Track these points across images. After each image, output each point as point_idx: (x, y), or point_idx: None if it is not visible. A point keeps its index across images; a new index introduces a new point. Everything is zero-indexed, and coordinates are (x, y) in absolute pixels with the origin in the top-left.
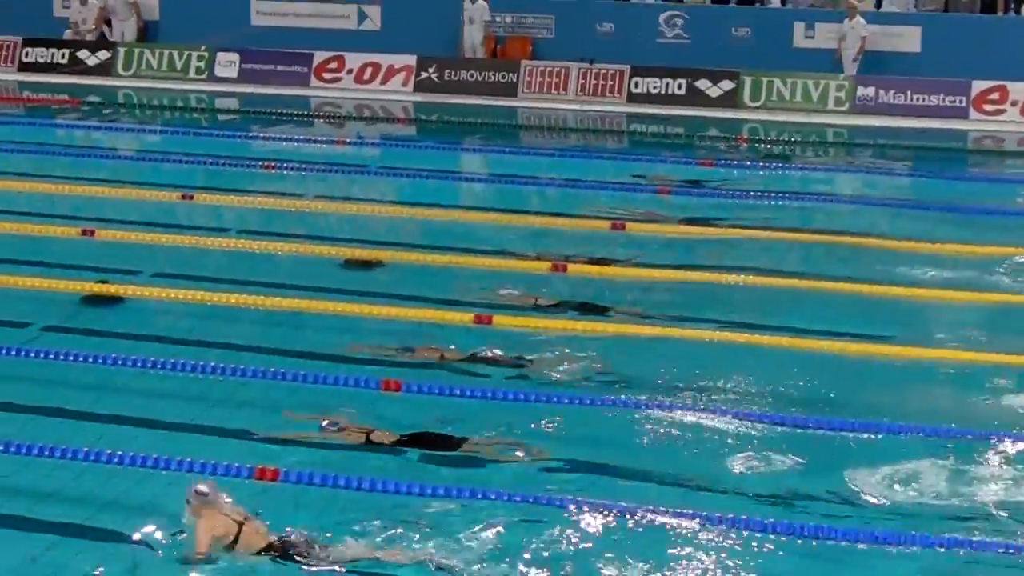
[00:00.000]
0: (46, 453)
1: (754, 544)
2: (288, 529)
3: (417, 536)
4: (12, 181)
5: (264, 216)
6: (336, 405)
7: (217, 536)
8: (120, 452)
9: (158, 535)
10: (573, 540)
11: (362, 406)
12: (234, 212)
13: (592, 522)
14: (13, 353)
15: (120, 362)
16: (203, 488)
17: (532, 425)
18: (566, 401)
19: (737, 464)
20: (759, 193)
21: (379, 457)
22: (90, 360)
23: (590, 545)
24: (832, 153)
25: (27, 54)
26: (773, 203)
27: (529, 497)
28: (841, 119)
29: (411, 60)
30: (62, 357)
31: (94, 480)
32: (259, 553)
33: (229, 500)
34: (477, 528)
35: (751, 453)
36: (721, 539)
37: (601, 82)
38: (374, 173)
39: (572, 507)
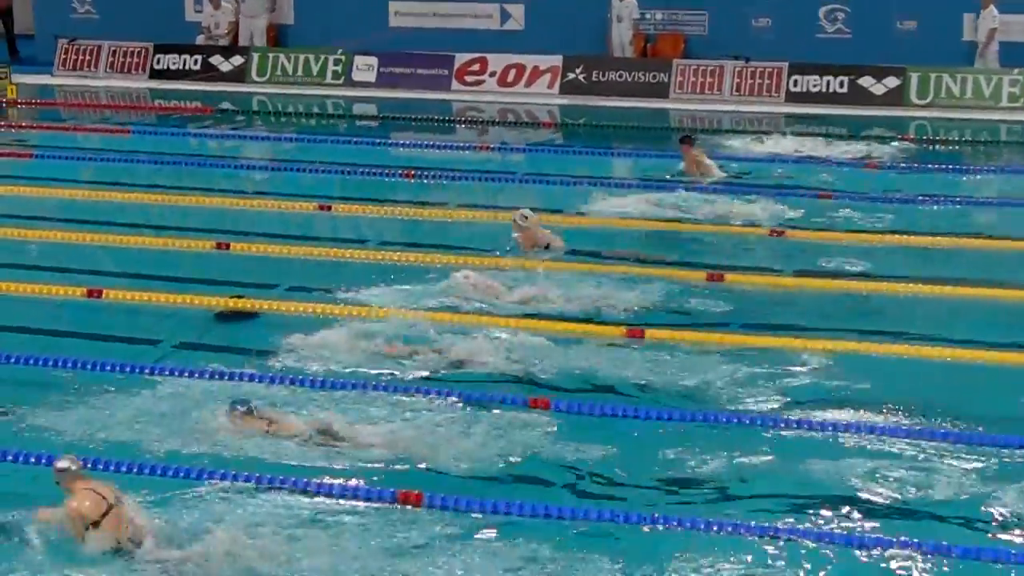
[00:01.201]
0: (181, 475)
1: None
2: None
3: None
4: (144, 193)
5: (405, 227)
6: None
7: (84, 513)
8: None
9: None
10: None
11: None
12: (374, 223)
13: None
14: (147, 372)
15: (256, 380)
16: (63, 464)
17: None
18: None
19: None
20: (928, 197)
21: None
22: (224, 378)
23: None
24: (1008, 153)
25: (158, 61)
26: (943, 207)
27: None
28: (1015, 115)
29: (557, 61)
30: (196, 375)
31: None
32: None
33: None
34: None
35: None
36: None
37: (758, 81)
38: (520, 180)
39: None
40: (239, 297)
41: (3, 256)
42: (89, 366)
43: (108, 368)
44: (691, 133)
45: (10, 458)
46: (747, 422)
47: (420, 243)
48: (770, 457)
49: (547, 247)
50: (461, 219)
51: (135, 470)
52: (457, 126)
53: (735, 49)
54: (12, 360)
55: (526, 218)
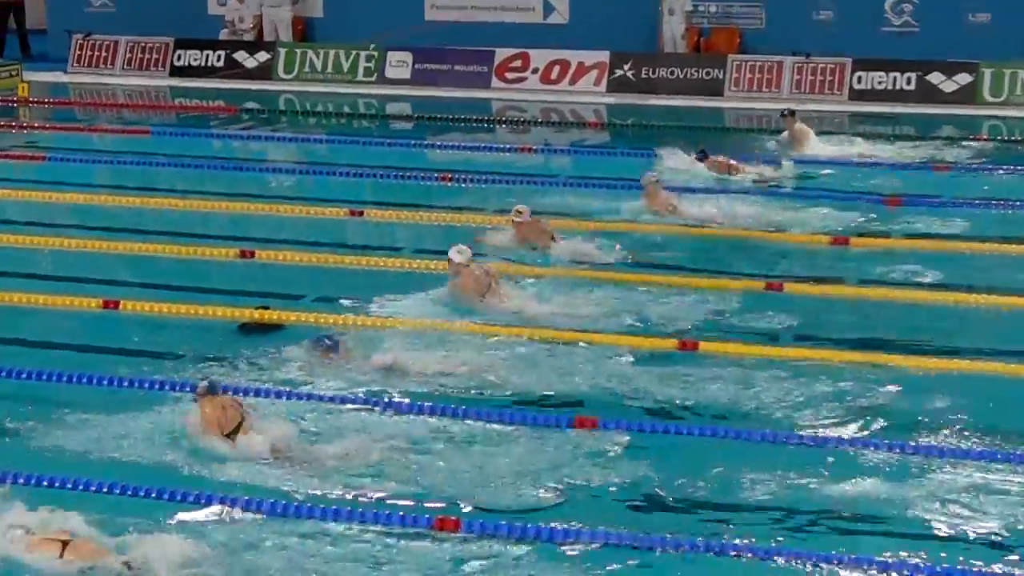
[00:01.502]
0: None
1: None
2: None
3: None
4: (164, 198)
5: (441, 233)
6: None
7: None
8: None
9: None
10: None
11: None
12: (408, 229)
13: None
14: (167, 388)
15: (283, 396)
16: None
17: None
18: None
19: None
20: (1002, 202)
21: None
22: (250, 394)
23: None
24: None
25: (179, 57)
26: (1018, 212)
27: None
28: None
29: (604, 57)
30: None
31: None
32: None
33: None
34: None
35: None
36: None
37: (819, 78)
38: (564, 184)
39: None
40: (264, 308)
41: (14, 265)
42: (106, 382)
43: (126, 384)
44: (705, 149)
45: (20, 480)
46: (808, 442)
47: None
48: (830, 480)
49: (552, 238)
50: (501, 226)
51: (157, 494)
52: (497, 126)
53: (794, 44)
54: (24, 375)
55: (521, 212)
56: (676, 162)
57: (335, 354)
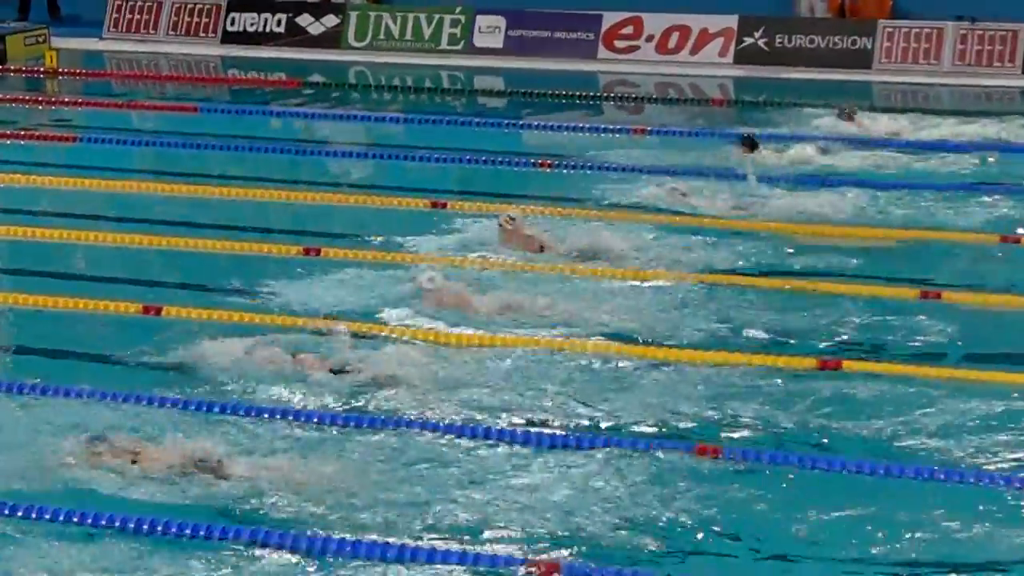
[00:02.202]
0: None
1: None
2: None
3: None
4: (215, 187)
5: (539, 227)
6: None
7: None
8: None
9: None
10: None
11: None
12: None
13: None
14: (215, 410)
15: (374, 424)
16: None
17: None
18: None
19: None
20: None
21: None
22: (313, 421)
23: None
24: None
25: (232, 21)
26: None
27: None
28: None
29: (731, 22)
30: (277, 415)
31: None
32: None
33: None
34: None
35: None
36: None
37: (987, 47)
38: (682, 173)
39: None
40: (332, 318)
41: (42, 263)
42: (145, 401)
43: (168, 404)
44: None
45: (47, 515)
46: (976, 480)
47: (561, 250)
48: (1003, 527)
49: (541, 249)
50: (608, 220)
51: (193, 531)
52: (604, 104)
53: (958, 8)
54: (51, 392)
55: (512, 220)
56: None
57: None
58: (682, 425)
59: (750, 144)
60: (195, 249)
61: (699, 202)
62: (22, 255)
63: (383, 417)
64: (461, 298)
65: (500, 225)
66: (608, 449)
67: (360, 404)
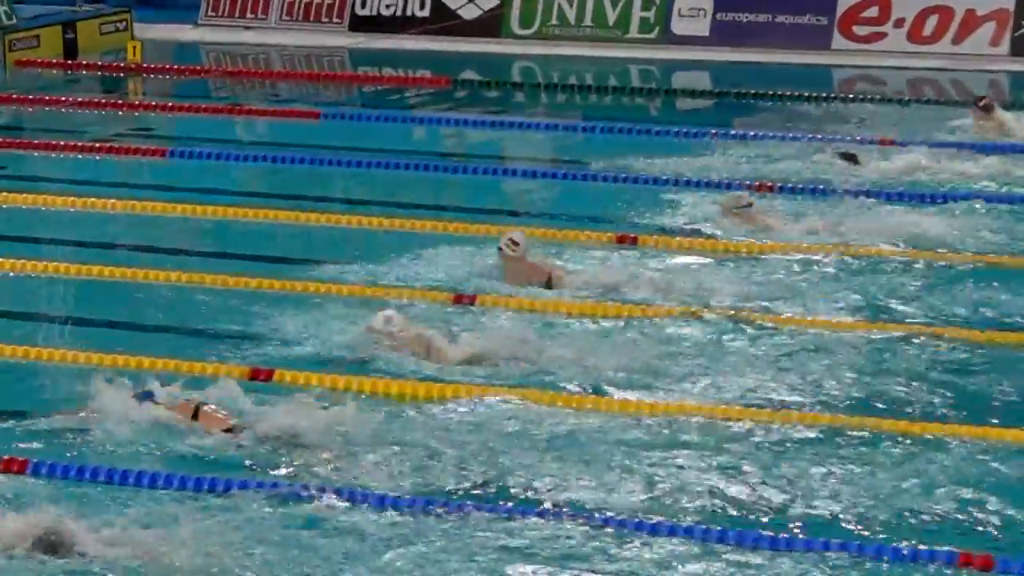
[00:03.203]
0: None
1: None
2: None
3: None
4: (342, 214)
5: (745, 270)
6: None
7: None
8: None
9: None
10: None
11: None
12: (696, 263)
13: None
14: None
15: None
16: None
17: None
18: None
19: None
20: None
21: None
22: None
23: None
24: None
25: (363, 3)
26: None
27: None
28: None
29: (1006, 2)
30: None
31: None
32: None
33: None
34: None
35: None
36: None
37: None
38: (947, 199)
39: None
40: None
41: (130, 312)
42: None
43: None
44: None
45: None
46: None
47: (765, 295)
48: None
49: (548, 283)
50: (849, 258)
51: None
52: (841, 106)
53: None
54: (146, 482)
55: (516, 244)
56: None
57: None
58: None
59: (850, 158)
60: (318, 293)
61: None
62: (97, 296)
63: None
64: (423, 343)
65: (500, 250)
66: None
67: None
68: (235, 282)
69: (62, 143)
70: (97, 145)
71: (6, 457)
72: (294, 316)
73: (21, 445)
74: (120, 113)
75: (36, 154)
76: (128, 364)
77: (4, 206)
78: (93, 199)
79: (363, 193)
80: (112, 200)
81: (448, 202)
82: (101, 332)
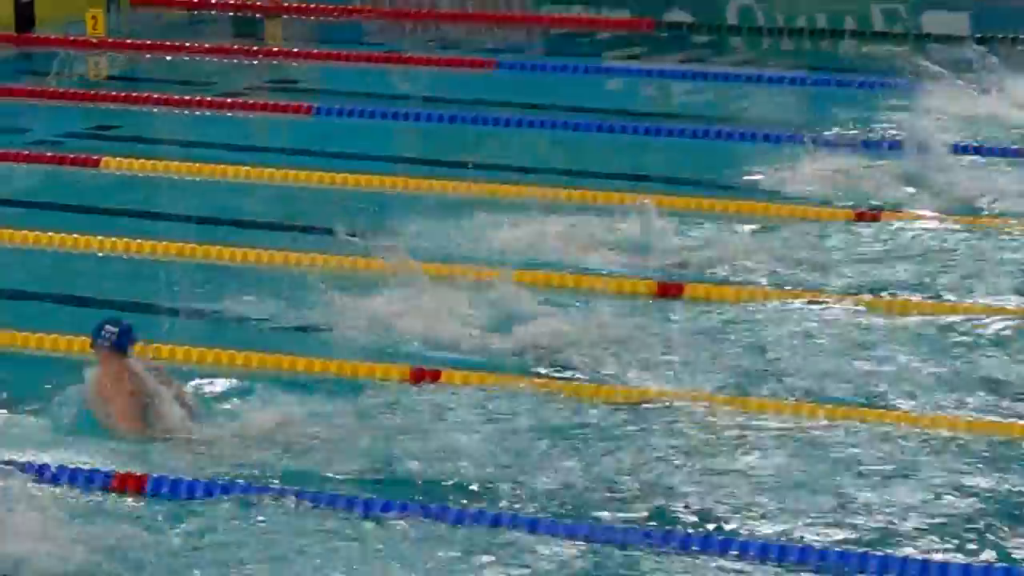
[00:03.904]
0: None
1: None
2: None
3: None
4: (518, 185)
5: None
6: None
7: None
8: None
9: None
10: None
11: None
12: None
13: None
14: None
15: None
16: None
17: None
18: None
19: None
20: None
21: None
22: None
23: None
24: None
25: None
26: None
27: None
28: None
29: None
30: None
31: None
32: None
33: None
34: None
35: None
36: None
37: None
38: None
39: None
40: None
41: (256, 304)
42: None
43: None
44: None
45: None
46: None
47: None
48: None
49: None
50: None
51: None
52: None
53: None
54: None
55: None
56: None
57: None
58: None
59: None
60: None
61: None
62: (225, 281)
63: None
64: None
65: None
66: None
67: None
68: (390, 267)
69: (186, 98)
70: (228, 101)
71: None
72: (464, 306)
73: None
74: (255, 62)
75: (155, 110)
76: (262, 363)
77: (117, 172)
78: (223, 165)
79: (549, 159)
80: (245, 167)
81: (647, 170)
82: (226, 324)
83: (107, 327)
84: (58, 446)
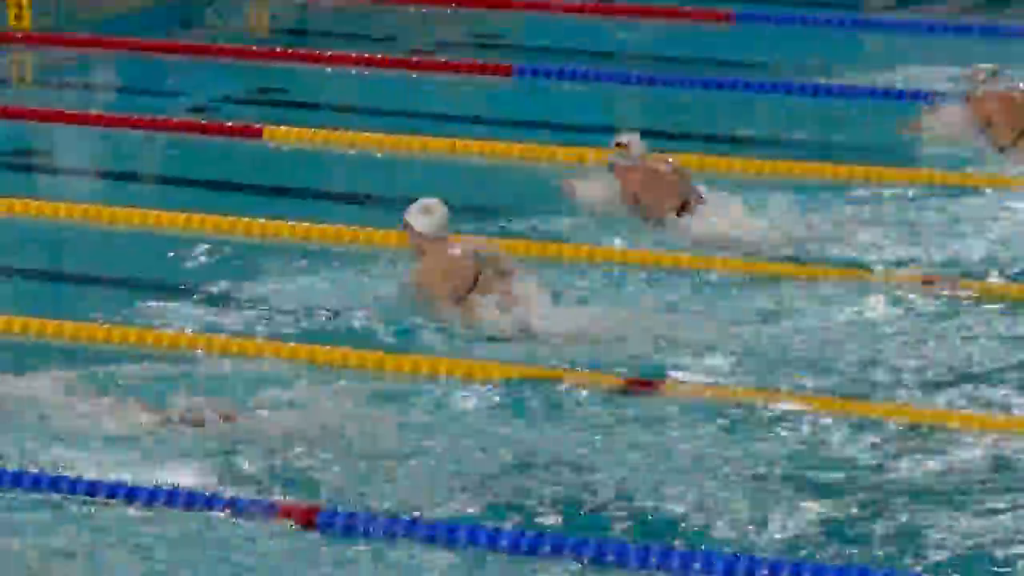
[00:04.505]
0: None
1: None
2: None
3: None
4: (787, 160)
5: None
6: None
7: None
8: None
9: None
10: None
11: None
12: None
13: None
14: None
15: None
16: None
17: None
18: None
19: None
20: None
21: None
22: None
23: None
24: None
25: None
26: None
27: None
28: None
29: None
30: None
31: None
32: None
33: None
34: None
35: None
36: None
37: None
38: None
39: None
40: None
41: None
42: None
43: None
44: None
45: None
46: None
47: None
48: None
49: (685, 205)
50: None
51: None
52: None
53: None
54: None
55: (625, 147)
56: None
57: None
58: None
59: None
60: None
61: None
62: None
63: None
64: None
65: (610, 158)
66: None
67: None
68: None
69: (365, 55)
70: (414, 60)
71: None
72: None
73: None
74: (447, 12)
75: (328, 70)
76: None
77: (284, 147)
78: (409, 138)
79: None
80: (433, 138)
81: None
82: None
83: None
84: None
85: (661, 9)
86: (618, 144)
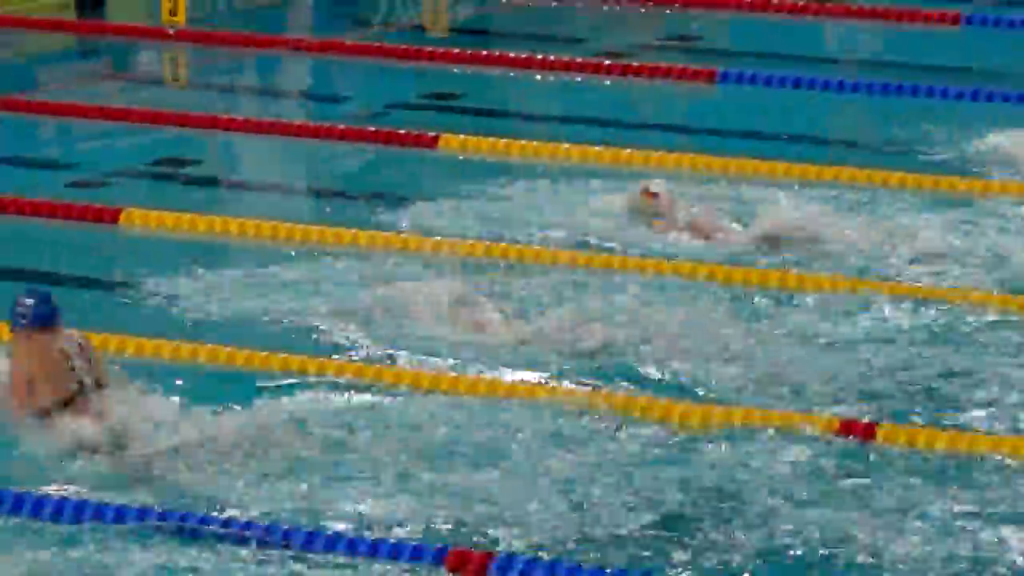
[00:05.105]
0: None
1: None
2: None
3: None
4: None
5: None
6: None
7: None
8: None
9: None
10: None
11: None
12: None
13: None
14: None
15: None
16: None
17: None
18: None
19: None
20: None
21: None
22: None
23: None
24: None
25: None
26: None
27: None
28: None
29: None
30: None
31: None
32: None
33: None
34: None
35: None
36: None
37: None
38: None
39: None
40: None
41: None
42: None
43: None
44: None
45: None
46: None
47: None
48: None
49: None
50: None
51: None
52: None
53: None
54: None
55: (655, 195)
56: None
57: None
58: None
59: None
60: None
61: None
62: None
63: None
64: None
65: (641, 196)
66: None
67: None
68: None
69: (551, 59)
70: (605, 63)
71: None
72: None
73: None
74: (641, 11)
75: (512, 75)
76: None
77: (461, 157)
78: (595, 148)
79: None
80: (630, 150)
81: None
82: None
83: (23, 301)
84: None
85: (880, 10)
86: (644, 192)
